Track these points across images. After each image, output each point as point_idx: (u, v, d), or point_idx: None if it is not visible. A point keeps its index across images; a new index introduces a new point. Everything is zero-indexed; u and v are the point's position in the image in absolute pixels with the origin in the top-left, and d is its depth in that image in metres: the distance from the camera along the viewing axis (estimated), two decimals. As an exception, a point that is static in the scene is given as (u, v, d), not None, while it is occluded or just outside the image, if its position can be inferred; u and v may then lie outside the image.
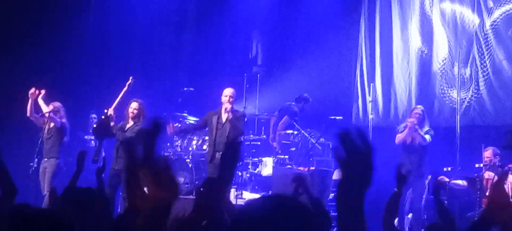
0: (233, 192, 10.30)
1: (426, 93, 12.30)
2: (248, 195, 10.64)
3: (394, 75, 12.66)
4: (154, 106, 10.99)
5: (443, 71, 12.22)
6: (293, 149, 11.62)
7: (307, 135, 11.58)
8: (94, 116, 11.50)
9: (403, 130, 10.37)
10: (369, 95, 12.54)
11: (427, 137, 10.25)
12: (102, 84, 11.48)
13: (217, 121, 9.54)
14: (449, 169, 10.76)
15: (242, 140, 10.10)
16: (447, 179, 10.11)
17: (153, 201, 2.17)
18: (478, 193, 10.06)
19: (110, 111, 9.65)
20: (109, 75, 11.69)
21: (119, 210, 9.47)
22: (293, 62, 13.34)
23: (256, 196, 9.78)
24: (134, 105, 9.78)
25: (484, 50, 11.82)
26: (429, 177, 10.25)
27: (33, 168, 10.45)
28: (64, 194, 4.26)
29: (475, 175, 10.29)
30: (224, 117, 9.54)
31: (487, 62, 11.77)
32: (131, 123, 9.75)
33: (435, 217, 5.61)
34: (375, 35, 12.89)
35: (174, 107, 12.01)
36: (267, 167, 11.43)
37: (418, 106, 10.81)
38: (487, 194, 9.95)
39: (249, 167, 11.54)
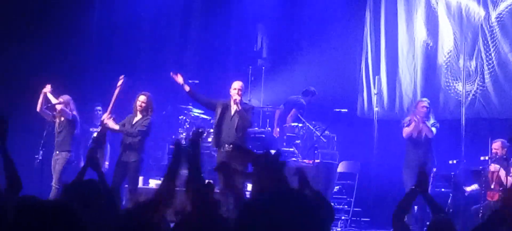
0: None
1: (431, 86, 12.27)
2: (251, 186, 10.63)
3: (399, 68, 12.63)
4: (159, 99, 10.97)
5: (448, 64, 12.19)
6: (298, 141, 11.63)
7: (312, 128, 11.59)
8: (99, 108, 11.51)
9: (409, 123, 10.36)
10: (374, 88, 12.53)
11: (433, 129, 10.26)
12: (107, 77, 11.48)
13: (225, 112, 9.52)
14: (455, 161, 10.77)
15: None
16: (434, 169, 10.13)
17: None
18: (483, 185, 10.06)
19: (106, 119, 9.66)
20: (114, 68, 11.68)
21: (123, 202, 9.51)
22: (298, 55, 13.31)
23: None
24: (142, 98, 9.77)
25: (490, 42, 11.78)
26: (434, 169, 10.26)
27: (38, 160, 10.50)
28: (66, 188, 4.27)
29: (480, 167, 10.29)
30: (233, 109, 9.54)
31: (493, 55, 11.73)
32: (139, 116, 9.74)
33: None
34: (380, 27, 12.85)
35: (179, 100, 12.00)
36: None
37: (424, 99, 10.79)
38: (492, 186, 9.95)
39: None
